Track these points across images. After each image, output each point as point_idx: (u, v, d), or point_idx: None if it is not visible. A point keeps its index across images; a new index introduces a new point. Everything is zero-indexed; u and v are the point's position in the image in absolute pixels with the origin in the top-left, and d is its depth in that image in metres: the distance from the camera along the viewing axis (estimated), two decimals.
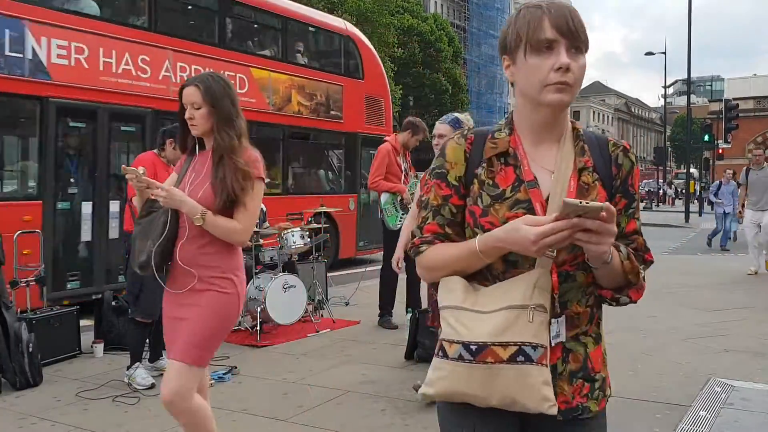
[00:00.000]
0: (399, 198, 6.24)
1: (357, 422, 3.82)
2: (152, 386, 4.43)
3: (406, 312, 6.06)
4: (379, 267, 6.57)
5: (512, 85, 1.50)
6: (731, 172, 13.94)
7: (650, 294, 7.37)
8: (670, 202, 44.35)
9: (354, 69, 11.54)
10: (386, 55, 42.49)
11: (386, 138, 6.55)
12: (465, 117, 4.39)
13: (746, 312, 7.01)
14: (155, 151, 4.67)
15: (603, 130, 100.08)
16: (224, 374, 4.68)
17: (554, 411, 1.35)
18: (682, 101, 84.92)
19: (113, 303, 5.56)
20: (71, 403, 4.20)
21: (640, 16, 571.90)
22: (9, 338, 4.49)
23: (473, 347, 1.35)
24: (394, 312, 6.43)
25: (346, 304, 7.02)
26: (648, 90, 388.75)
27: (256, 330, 5.74)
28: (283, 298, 5.91)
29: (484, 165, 1.47)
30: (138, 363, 4.58)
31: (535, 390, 1.34)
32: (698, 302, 7.53)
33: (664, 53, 39.40)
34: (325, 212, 7.31)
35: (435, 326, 4.03)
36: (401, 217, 6.21)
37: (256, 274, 6.19)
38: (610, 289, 1.46)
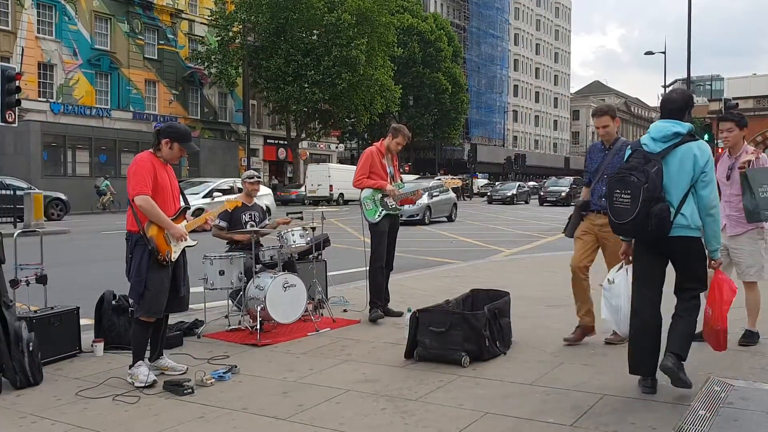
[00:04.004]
0: (380, 195, 6.62)
1: (357, 421, 3.83)
2: (154, 385, 4.44)
3: (407, 311, 6.07)
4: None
5: None
6: None
7: None
8: None
9: None
10: (386, 54, 42.54)
11: (374, 143, 7.02)
12: None
13: (746, 310, 6.99)
14: (151, 150, 4.69)
15: None
16: (224, 373, 4.68)
17: None
18: None
19: (113, 302, 5.56)
20: (71, 402, 4.21)
21: (640, 15, 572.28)
22: (9, 337, 4.50)
23: None
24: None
25: (344, 311, 6.96)
26: (648, 89, 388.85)
27: (256, 329, 5.74)
28: (283, 297, 5.91)
29: None
30: (140, 362, 4.58)
31: None
32: None
33: (664, 53, 39.36)
34: None
35: None
36: (380, 213, 6.59)
37: (256, 273, 6.19)
38: None
